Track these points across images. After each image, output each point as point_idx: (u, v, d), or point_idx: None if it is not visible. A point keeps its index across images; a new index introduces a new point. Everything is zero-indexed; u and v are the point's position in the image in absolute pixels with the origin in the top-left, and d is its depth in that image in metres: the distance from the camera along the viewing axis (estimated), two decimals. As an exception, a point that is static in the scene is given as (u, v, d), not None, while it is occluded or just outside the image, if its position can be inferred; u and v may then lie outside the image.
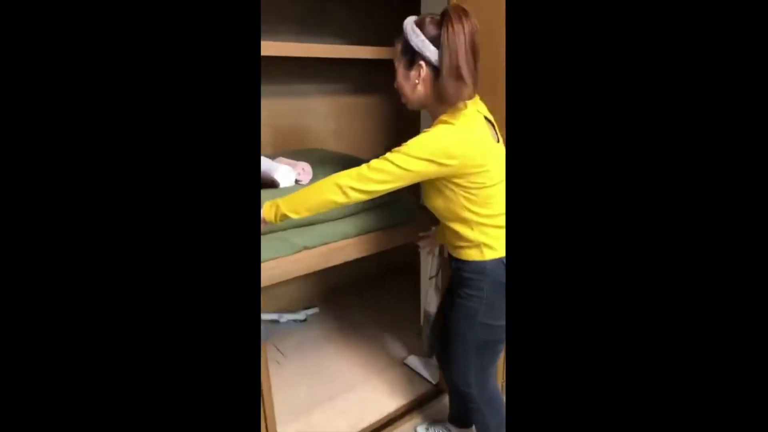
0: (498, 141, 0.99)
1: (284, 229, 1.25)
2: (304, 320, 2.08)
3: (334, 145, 2.05)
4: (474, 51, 0.88)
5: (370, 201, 1.38)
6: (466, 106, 0.93)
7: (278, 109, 1.86)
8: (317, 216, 1.29)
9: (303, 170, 1.33)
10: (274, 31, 1.75)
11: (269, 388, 1.28)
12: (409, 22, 0.94)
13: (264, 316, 1.96)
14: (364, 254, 1.47)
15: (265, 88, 1.79)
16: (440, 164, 0.88)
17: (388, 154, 0.89)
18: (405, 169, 0.87)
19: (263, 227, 1.06)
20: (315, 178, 1.36)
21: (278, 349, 1.87)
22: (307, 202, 0.96)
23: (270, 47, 1.52)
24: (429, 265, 1.52)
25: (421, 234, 1.27)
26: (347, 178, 0.92)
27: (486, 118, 0.99)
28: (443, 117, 0.93)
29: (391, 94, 2.09)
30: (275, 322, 2.00)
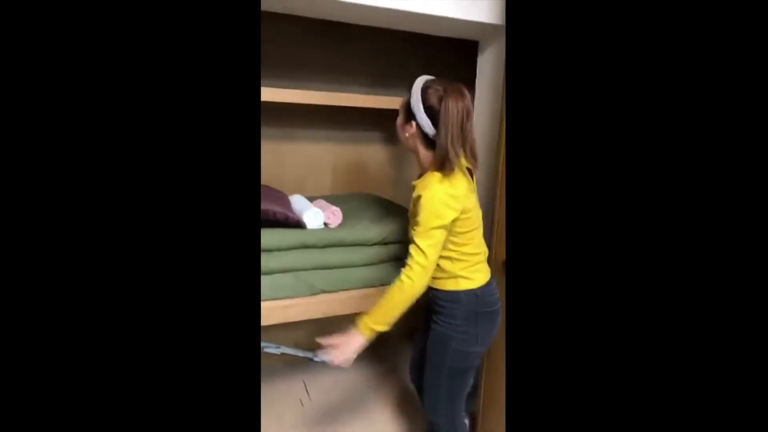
0: (475, 189, 1.15)
1: (304, 270, 1.27)
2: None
3: (390, 191, 2.07)
4: (463, 128, 1.01)
5: (390, 253, 1.36)
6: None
7: (341, 154, 1.95)
8: (336, 260, 1.30)
9: (333, 214, 1.36)
10: (350, 83, 1.87)
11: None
12: (418, 85, 1.05)
13: (298, 352, 1.98)
14: (387, 306, 1.42)
15: (329, 134, 1.90)
16: (449, 223, 1.02)
17: (417, 240, 1.02)
18: (434, 241, 1.02)
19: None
20: (345, 222, 1.38)
21: (306, 389, 1.87)
22: (391, 312, 1.07)
23: (341, 98, 1.63)
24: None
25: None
26: (410, 274, 1.03)
27: (467, 168, 1.13)
28: (431, 170, 1.06)
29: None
30: (309, 359, 2.00)
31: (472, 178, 1.15)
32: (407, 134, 1.09)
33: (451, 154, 0.99)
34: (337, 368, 2.01)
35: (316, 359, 2.01)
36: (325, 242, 1.28)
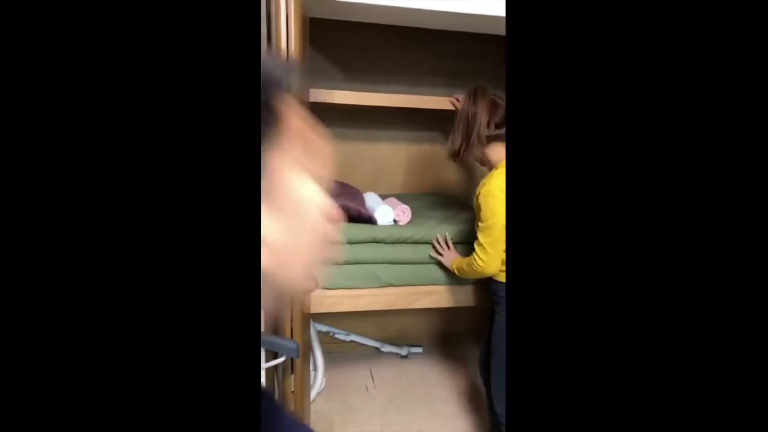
0: None
1: (374, 263, 1.36)
2: (406, 356, 2.13)
3: (459, 191, 2.09)
4: (491, 124, 1.16)
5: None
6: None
7: (414, 154, 2.01)
8: (404, 256, 1.37)
9: (402, 212, 1.42)
10: (423, 83, 1.92)
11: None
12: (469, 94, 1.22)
13: (367, 341, 2.09)
14: (452, 305, 1.46)
15: (403, 134, 1.98)
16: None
17: (479, 235, 1.16)
18: (494, 239, 1.13)
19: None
20: (413, 220, 1.44)
21: (372, 377, 1.97)
22: (465, 270, 1.26)
23: (414, 100, 1.70)
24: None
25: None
26: (477, 261, 1.18)
27: None
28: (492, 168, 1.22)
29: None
30: (376, 349, 2.10)
31: None
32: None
33: (457, 143, 1.18)
34: (403, 360, 2.09)
35: (383, 350, 2.11)
36: (394, 238, 1.35)
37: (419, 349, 2.18)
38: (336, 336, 1.96)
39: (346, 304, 1.35)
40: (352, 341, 2.09)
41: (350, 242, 1.33)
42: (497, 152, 1.19)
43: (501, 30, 1.44)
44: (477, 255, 1.15)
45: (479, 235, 1.14)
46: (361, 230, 1.34)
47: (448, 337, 2.30)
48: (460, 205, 1.71)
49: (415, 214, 1.48)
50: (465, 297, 1.45)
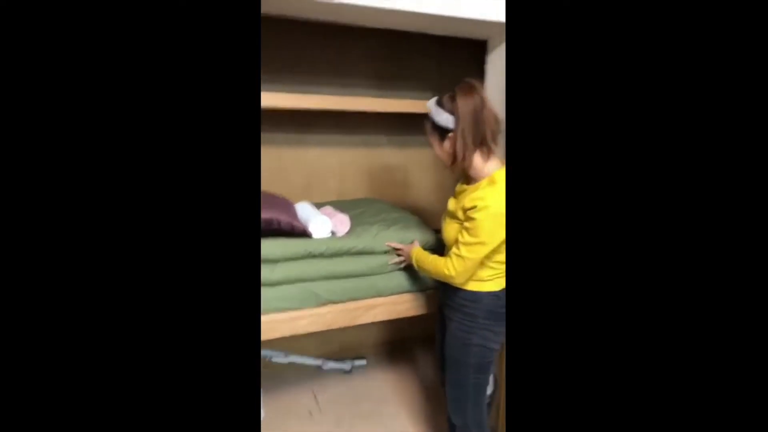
0: None
1: (311, 280, 1.24)
2: (349, 371, 2.02)
3: (398, 195, 2.03)
4: (477, 120, 1.02)
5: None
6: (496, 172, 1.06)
7: (348, 158, 1.91)
8: (344, 269, 1.26)
9: (341, 222, 1.32)
10: (355, 85, 1.83)
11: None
12: (432, 104, 1.09)
13: (307, 361, 1.95)
14: (396, 316, 1.39)
15: (334, 138, 1.87)
16: (498, 244, 1.05)
17: (462, 248, 1.07)
18: (479, 256, 1.06)
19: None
20: (353, 230, 1.34)
21: (316, 399, 1.83)
22: (428, 268, 1.19)
23: (346, 102, 1.60)
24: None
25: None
26: (451, 270, 1.10)
27: None
28: (481, 182, 1.08)
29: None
30: (318, 368, 1.97)
31: None
32: (450, 151, 1.07)
33: (460, 147, 1.03)
34: (347, 375, 1.99)
35: (324, 368, 1.99)
36: (333, 251, 1.25)
37: (363, 362, 2.09)
38: (274, 360, 1.80)
39: (283, 329, 1.21)
40: (290, 363, 1.94)
41: (283, 259, 1.20)
42: (486, 160, 1.06)
43: (436, 29, 1.40)
44: (452, 263, 1.06)
45: (463, 248, 1.04)
46: (295, 245, 1.22)
47: (392, 345, 2.23)
48: (400, 208, 1.64)
49: (354, 222, 1.38)
50: (410, 307, 1.38)
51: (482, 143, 1.04)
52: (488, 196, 1.01)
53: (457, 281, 1.09)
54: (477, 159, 1.06)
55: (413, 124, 1.98)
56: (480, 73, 1.54)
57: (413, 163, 2.05)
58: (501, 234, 1.02)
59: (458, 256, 1.06)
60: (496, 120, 1.04)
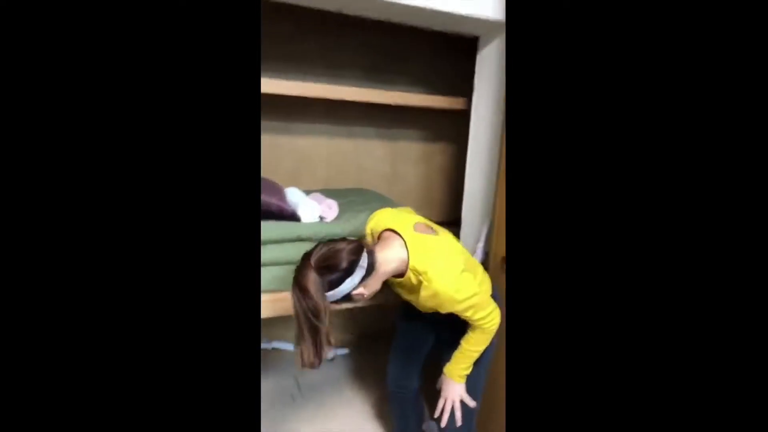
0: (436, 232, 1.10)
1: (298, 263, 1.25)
2: (332, 359, 2.05)
3: (384, 186, 2.06)
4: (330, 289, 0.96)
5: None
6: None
7: (336, 148, 1.93)
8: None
9: (329, 207, 1.34)
10: (346, 76, 1.85)
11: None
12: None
13: (289, 346, 1.97)
14: (382, 302, 1.41)
15: (324, 127, 1.89)
16: (478, 286, 1.03)
17: (476, 317, 1.03)
18: (483, 302, 1.03)
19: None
20: (341, 216, 1.36)
21: (297, 383, 1.85)
22: (469, 360, 1.11)
23: (336, 91, 1.61)
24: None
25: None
26: (475, 338, 1.08)
27: (419, 223, 1.09)
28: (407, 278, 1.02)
29: (448, 142, 2.08)
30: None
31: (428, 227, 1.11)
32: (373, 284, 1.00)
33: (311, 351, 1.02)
34: (330, 363, 2.01)
35: (308, 354, 2.00)
36: (321, 236, 1.26)
37: (345, 350, 2.11)
38: (257, 344, 1.81)
39: (268, 309, 1.23)
40: (273, 348, 1.96)
41: (272, 242, 1.21)
42: (384, 256, 0.98)
43: (428, 23, 1.43)
44: (482, 323, 1.02)
45: (472, 314, 1.00)
46: (283, 228, 1.23)
47: (375, 335, 2.26)
48: (389, 200, 1.67)
49: (342, 209, 1.40)
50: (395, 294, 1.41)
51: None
52: (427, 286, 0.97)
53: (497, 321, 1.05)
54: (380, 257, 0.98)
55: (402, 118, 2.02)
56: (467, 68, 1.58)
57: (401, 156, 2.08)
58: (459, 262, 1.01)
59: (475, 322, 1.03)
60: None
